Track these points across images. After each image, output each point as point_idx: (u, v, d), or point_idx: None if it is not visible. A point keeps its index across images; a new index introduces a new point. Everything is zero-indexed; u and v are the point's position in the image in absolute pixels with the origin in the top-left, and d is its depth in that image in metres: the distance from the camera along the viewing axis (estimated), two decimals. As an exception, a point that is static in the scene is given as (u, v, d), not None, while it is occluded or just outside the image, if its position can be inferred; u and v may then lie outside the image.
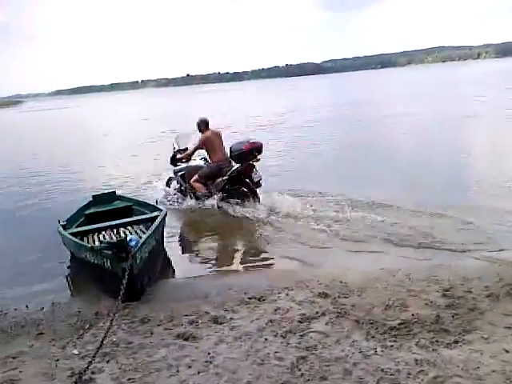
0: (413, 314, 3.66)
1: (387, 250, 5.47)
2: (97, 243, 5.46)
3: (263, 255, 5.91)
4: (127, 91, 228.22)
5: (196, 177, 7.92)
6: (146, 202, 6.89)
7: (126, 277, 3.87)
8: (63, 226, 5.68)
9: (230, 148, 7.63)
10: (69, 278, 5.45)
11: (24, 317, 4.26)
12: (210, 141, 7.81)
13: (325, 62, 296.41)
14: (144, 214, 6.31)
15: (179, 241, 6.75)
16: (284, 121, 21.20)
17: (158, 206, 6.45)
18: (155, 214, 5.90)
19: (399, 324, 3.53)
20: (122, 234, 5.51)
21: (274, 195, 7.60)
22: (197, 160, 8.29)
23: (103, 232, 5.83)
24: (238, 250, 6.29)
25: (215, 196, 7.72)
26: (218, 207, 7.59)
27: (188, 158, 8.23)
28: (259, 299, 4.21)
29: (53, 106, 79.12)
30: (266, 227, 6.65)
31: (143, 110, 46.51)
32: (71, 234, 5.39)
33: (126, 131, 25.40)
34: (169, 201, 8.17)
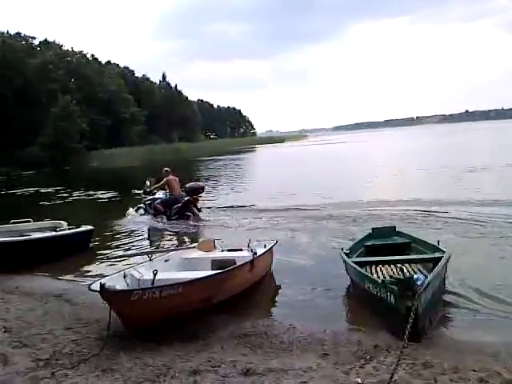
0: None
1: None
2: (374, 275, 5.54)
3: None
4: (401, 127, 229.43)
5: (159, 202, 12.35)
6: (426, 241, 6.62)
7: (412, 316, 3.78)
8: (346, 254, 5.95)
9: (186, 186, 12.43)
10: (347, 304, 5.65)
11: (309, 334, 4.54)
12: (170, 182, 12.39)
13: None
14: (423, 252, 6.21)
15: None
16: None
17: (440, 247, 6.12)
18: (437, 254, 5.69)
19: None
20: (406, 271, 5.41)
21: None
22: (160, 194, 12.66)
23: (380, 265, 5.89)
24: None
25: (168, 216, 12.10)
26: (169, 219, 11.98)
27: (154, 192, 12.78)
28: None
29: (331, 140, 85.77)
30: None
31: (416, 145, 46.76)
32: (353, 262, 5.60)
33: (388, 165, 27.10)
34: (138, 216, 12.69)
